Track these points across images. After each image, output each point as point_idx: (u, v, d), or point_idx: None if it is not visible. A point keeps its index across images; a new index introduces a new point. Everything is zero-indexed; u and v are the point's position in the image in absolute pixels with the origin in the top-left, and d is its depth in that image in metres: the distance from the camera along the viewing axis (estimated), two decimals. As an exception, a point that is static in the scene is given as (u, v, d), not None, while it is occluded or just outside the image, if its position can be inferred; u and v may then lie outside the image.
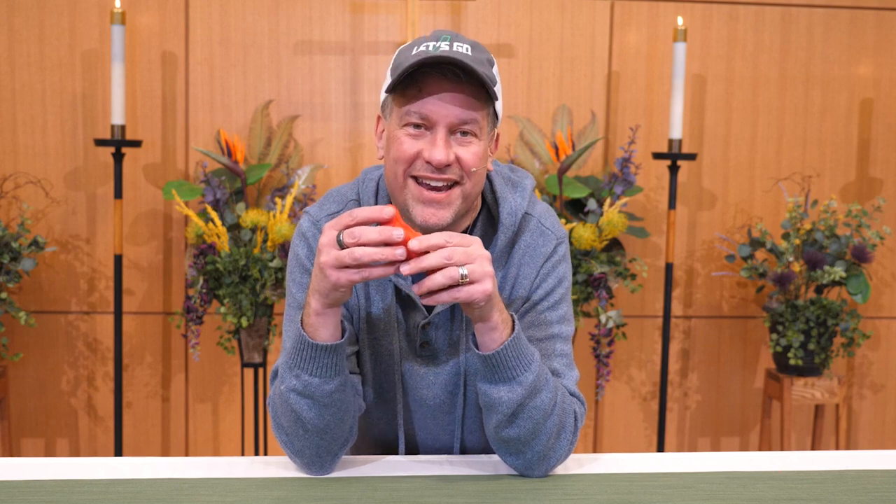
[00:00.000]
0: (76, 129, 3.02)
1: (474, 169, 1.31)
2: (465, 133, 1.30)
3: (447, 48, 1.28)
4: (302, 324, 1.26)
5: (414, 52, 1.29)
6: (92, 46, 3.00)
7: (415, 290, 1.18)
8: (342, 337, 1.27)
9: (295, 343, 1.27)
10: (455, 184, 1.31)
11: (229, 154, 2.89)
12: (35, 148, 3.02)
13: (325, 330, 1.25)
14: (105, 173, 3.02)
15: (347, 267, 1.16)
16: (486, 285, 1.19)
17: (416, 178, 1.31)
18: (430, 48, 1.28)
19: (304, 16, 3.06)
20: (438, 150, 1.28)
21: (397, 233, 1.14)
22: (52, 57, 2.99)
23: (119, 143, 2.75)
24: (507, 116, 3.11)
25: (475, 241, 1.20)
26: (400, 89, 1.31)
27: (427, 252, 1.16)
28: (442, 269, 1.16)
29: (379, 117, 1.40)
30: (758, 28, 3.19)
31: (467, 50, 1.29)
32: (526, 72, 3.13)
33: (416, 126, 1.30)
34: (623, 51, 3.16)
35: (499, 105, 1.36)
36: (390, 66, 1.36)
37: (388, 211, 1.16)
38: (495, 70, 1.36)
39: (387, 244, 1.15)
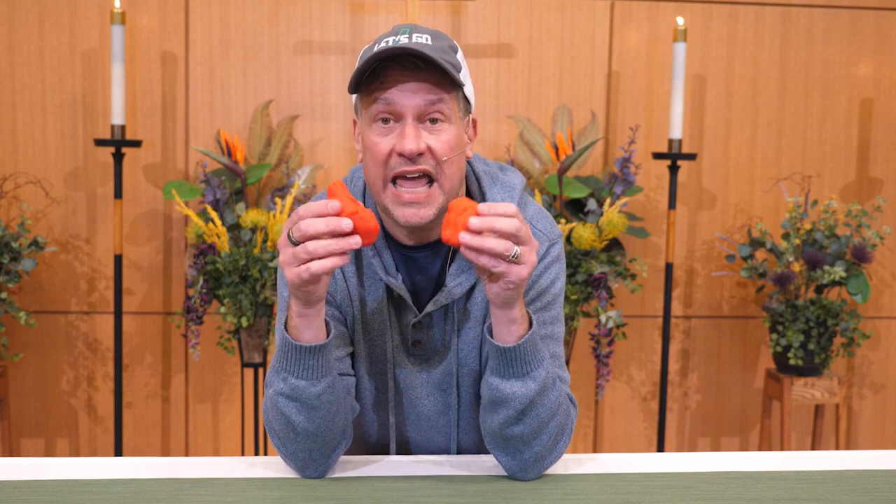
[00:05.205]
0: (76, 129, 3.02)
1: (445, 158, 1.30)
2: (434, 120, 1.30)
3: (406, 40, 1.28)
4: (286, 327, 1.26)
5: (375, 49, 1.29)
6: (92, 46, 3.00)
7: (462, 241, 1.15)
8: (327, 337, 1.27)
9: (280, 346, 1.27)
10: (431, 180, 1.31)
11: (229, 154, 2.89)
12: (35, 148, 3.02)
13: (309, 331, 1.24)
14: (105, 173, 3.02)
15: (303, 262, 1.16)
16: (524, 271, 1.18)
17: (394, 182, 1.31)
18: (390, 42, 1.28)
19: (304, 16, 3.06)
20: (408, 139, 1.28)
21: (346, 223, 1.14)
22: (52, 57, 2.99)
23: (119, 143, 2.75)
24: (507, 116, 3.11)
25: (528, 227, 1.20)
26: (364, 87, 1.31)
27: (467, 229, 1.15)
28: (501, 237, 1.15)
29: (355, 121, 1.40)
30: (758, 28, 3.19)
31: (427, 39, 1.29)
32: (526, 72, 3.13)
33: (385, 121, 1.30)
34: (623, 51, 3.16)
35: (468, 90, 1.36)
36: (356, 67, 1.38)
37: (332, 205, 1.15)
38: (460, 56, 1.35)
39: (335, 234, 1.15)
